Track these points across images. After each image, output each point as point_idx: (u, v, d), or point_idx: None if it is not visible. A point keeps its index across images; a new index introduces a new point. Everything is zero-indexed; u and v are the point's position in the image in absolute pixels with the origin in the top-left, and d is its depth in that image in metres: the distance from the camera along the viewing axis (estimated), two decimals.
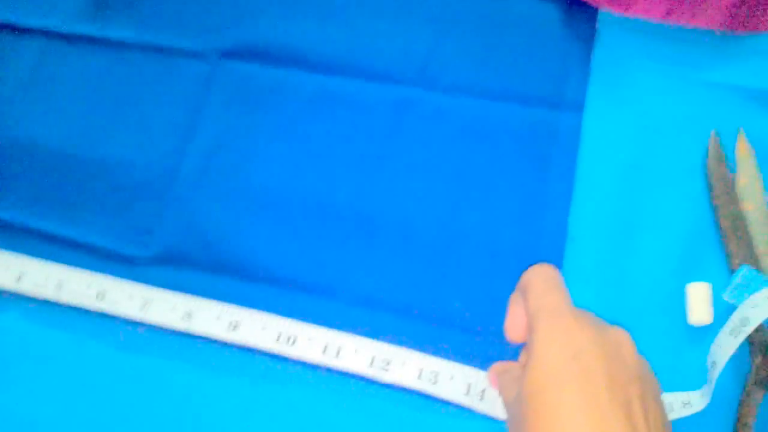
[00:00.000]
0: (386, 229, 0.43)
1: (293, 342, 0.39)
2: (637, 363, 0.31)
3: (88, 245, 0.43)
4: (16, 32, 0.49)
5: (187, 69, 0.47)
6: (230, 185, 0.44)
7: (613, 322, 0.38)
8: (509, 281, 0.40)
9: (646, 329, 0.40)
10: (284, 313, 0.40)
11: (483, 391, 0.38)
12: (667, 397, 0.37)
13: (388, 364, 0.39)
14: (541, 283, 0.34)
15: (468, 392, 0.38)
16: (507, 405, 0.34)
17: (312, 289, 0.41)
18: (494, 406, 0.38)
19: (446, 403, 0.38)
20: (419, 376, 0.38)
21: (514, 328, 0.37)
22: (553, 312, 0.32)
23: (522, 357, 0.37)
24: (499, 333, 0.38)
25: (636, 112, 0.45)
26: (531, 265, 0.40)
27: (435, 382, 0.38)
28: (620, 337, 0.32)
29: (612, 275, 0.41)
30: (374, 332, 0.40)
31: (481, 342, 0.40)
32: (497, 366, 0.37)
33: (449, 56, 0.46)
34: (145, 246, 0.43)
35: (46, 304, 0.42)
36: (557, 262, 0.41)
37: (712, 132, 0.43)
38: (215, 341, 0.40)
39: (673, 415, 0.37)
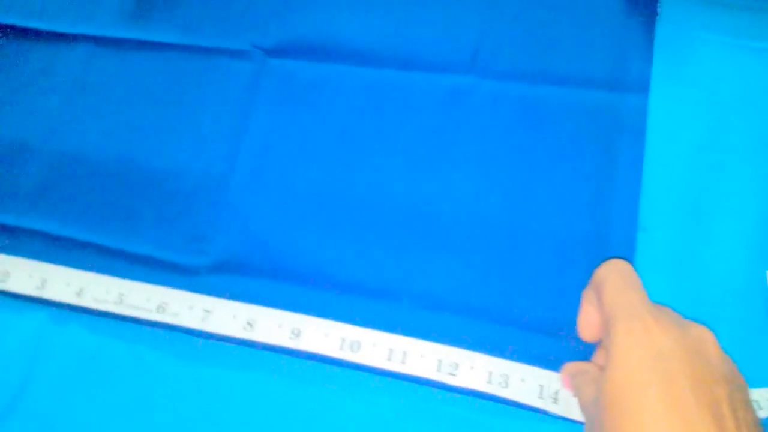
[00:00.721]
0: (447, 226, 0.41)
1: (357, 348, 0.38)
2: (722, 362, 0.30)
3: (145, 257, 0.43)
4: (61, 40, 0.49)
5: (233, 69, 0.46)
6: (284, 187, 0.43)
7: (691, 315, 0.37)
8: (579, 276, 0.38)
9: (727, 321, 0.38)
10: (346, 318, 0.39)
11: (556, 392, 0.36)
12: (752, 394, 0.35)
13: (456, 368, 0.37)
14: (616, 280, 0.33)
15: (541, 394, 0.36)
16: (584, 407, 0.33)
17: (374, 292, 0.40)
18: (569, 408, 0.36)
19: (518, 407, 0.37)
20: (489, 380, 0.37)
21: (587, 326, 0.35)
22: (632, 311, 0.31)
23: (597, 357, 0.36)
24: (571, 332, 0.37)
25: (705, 89, 0.42)
26: (601, 258, 0.38)
27: (506, 386, 0.37)
28: (703, 335, 0.31)
29: (688, 265, 0.39)
30: (440, 335, 0.39)
31: (552, 342, 0.38)
32: (570, 367, 0.36)
33: (501, 40, 0.45)
34: (203, 254, 0.42)
35: (106, 315, 0.41)
36: (629, 253, 0.39)
37: None
38: (276, 349, 0.39)
39: (761, 414, 0.35)
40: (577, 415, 0.36)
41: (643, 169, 0.41)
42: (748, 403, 0.29)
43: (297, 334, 0.39)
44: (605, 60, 0.43)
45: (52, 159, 0.46)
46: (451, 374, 0.37)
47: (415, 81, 0.44)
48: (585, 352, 0.37)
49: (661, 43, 0.43)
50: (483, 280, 0.40)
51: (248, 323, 0.40)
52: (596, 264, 0.37)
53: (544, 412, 0.36)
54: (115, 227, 0.44)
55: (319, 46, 0.46)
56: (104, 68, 0.48)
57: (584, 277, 0.38)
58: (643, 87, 0.42)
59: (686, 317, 0.37)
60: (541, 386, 0.37)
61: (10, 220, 0.45)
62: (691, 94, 0.42)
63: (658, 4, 0.44)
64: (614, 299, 0.32)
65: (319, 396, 0.39)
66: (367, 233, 0.42)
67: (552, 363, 0.37)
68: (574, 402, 0.36)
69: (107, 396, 0.41)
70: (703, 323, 0.35)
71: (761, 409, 0.35)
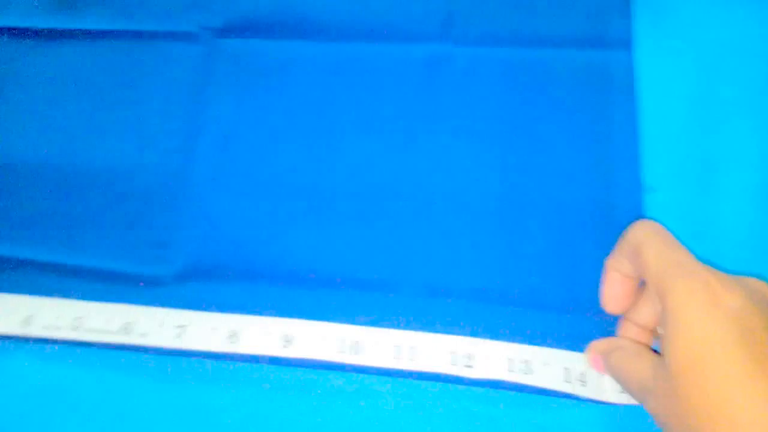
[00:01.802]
0: (441, 205, 0.38)
1: (359, 350, 0.34)
2: None
3: (101, 271, 0.37)
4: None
5: (180, 54, 0.41)
6: (250, 178, 0.39)
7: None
8: (589, 247, 0.36)
9: (746, 272, 0.36)
10: (343, 317, 0.35)
11: (583, 374, 0.33)
12: None
13: (471, 359, 0.34)
14: (658, 240, 0.30)
15: (567, 378, 0.33)
16: (636, 384, 0.30)
17: (369, 285, 0.36)
18: (599, 390, 0.33)
19: (544, 394, 0.33)
20: (510, 368, 0.34)
21: (613, 297, 0.33)
22: (686, 269, 0.28)
23: (625, 330, 0.33)
24: (589, 307, 0.35)
25: (688, 39, 0.41)
26: (610, 225, 0.36)
27: (529, 372, 0.33)
28: (761, 287, 0.29)
29: (699, 220, 0.37)
30: (448, 325, 0.35)
31: (570, 319, 0.35)
32: (599, 344, 0.33)
33: (474, 4, 0.41)
34: (167, 262, 0.37)
35: (62, 343, 0.36)
36: (637, 216, 0.36)
37: None
38: (267, 360, 0.35)
39: None
40: (608, 396, 0.33)
41: (639, 128, 0.38)
42: None
43: (289, 340, 0.35)
44: (584, 18, 0.41)
45: None
46: (467, 366, 0.34)
47: (386, 53, 0.41)
48: (608, 326, 0.34)
49: None
50: (487, 261, 0.36)
51: (231, 334, 0.35)
52: (605, 232, 0.35)
53: (573, 397, 0.33)
54: (60, 241, 0.38)
55: (275, 22, 0.41)
56: (26, 63, 0.42)
57: (595, 247, 0.35)
58: (626, 43, 0.40)
59: None
60: (567, 369, 0.34)
61: None
62: (675, 45, 0.41)
63: None
64: (663, 259, 0.29)
65: (320, 407, 0.35)
66: (354, 221, 0.38)
67: (574, 343, 0.34)
68: (604, 382, 0.33)
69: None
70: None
71: None
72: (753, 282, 0.28)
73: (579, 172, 0.38)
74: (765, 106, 0.39)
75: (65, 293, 0.36)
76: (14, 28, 0.42)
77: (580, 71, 0.40)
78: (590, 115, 0.39)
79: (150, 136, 0.40)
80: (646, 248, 0.30)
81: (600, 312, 0.34)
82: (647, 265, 0.29)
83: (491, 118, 0.39)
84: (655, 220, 0.36)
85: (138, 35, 0.42)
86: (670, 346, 0.27)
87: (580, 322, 0.35)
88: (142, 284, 0.37)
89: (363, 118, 0.39)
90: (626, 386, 0.31)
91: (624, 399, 0.32)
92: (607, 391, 0.33)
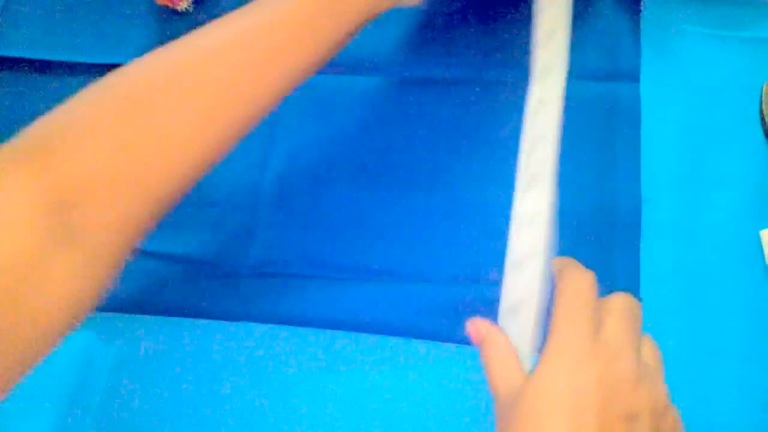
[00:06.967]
0: (464, 212, 0.47)
1: None
2: (634, 399, 0.31)
3: (188, 259, 0.48)
4: (89, 70, 0.54)
5: None
6: (312, 190, 0.49)
7: (694, 274, 0.43)
8: (595, 246, 0.44)
9: (726, 278, 0.43)
10: (384, 301, 0.45)
11: None
12: None
13: None
14: (572, 296, 0.33)
15: None
16: (495, 388, 0.33)
17: (407, 277, 0.46)
18: None
19: None
20: None
21: None
22: (573, 333, 0.32)
23: None
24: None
25: (689, 75, 0.49)
26: (613, 229, 0.44)
27: None
28: (623, 373, 0.31)
29: (689, 230, 0.45)
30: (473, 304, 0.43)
31: None
32: (482, 326, 0.36)
33: (506, 49, 0.50)
34: (243, 257, 0.48)
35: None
36: (636, 221, 0.45)
37: (765, 84, 0.47)
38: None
39: None
40: None
41: (641, 149, 0.46)
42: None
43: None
44: (599, 55, 0.50)
45: None
46: None
47: (425, 89, 0.50)
48: None
49: (647, 37, 0.49)
50: (500, 258, 0.45)
51: None
52: (608, 234, 0.44)
53: None
54: (157, 237, 0.48)
55: (332, 61, 0.51)
56: None
57: (600, 248, 0.44)
58: (634, 77, 0.49)
59: (690, 277, 0.43)
60: None
61: None
62: (677, 80, 0.49)
63: (642, 3, 0.50)
64: (565, 313, 0.33)
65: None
66: (396, 223, 0.47)
67: None
68: None
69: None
70: (706, 281, 0.42)
71: None
72: (621, 366, 0.31)
73: (588, 184, 0.46)
74: (749, 133, 0.47)
75: (156, 274, 0.47)
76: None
77: (593, 100, 0.48)
78: (600, 137, 0.47)
79: (231, 154, 0.50)
80: (559, 297, 0.33)
81: None
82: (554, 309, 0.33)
83: (515, 138, 0.47)
84: (651, 226, 0.44)
85: None
86: (526, 387, 0.31)
87: None
88: (221, 274, 0.47)
89: (401, 138, 0.49)
90: (486, 375, 0.34)
91: None
92: None
